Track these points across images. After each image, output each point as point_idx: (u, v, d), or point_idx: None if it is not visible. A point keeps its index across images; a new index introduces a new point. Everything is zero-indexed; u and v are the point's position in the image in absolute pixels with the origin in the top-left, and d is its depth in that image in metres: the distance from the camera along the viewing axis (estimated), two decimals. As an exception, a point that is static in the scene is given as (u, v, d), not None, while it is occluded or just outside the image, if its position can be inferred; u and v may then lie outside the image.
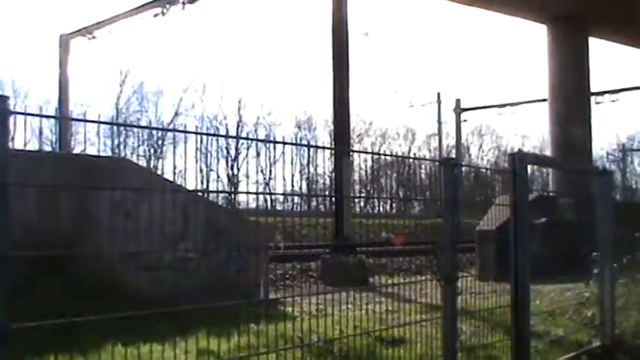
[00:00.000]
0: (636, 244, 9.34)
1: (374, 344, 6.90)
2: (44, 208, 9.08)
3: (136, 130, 54.30)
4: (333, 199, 19.28)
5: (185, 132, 5.03)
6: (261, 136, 58.79)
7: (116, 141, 51.86)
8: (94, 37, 28.97)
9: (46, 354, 5.08)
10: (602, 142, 74.21)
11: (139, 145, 55.44)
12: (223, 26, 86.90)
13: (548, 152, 28.27)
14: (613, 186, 8.66)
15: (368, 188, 63.68)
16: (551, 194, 19.63)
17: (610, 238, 8.36)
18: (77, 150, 38.83)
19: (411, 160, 73.94)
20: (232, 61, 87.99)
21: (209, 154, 54.92)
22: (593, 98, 30.48)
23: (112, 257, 9.45)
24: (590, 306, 8.72)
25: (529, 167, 6.87)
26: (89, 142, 43.50)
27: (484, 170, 77.58)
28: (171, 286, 9.68)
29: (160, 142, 54.50)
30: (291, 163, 51.19)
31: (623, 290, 9.30)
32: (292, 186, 53.41)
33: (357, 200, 50.88)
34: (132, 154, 52.31)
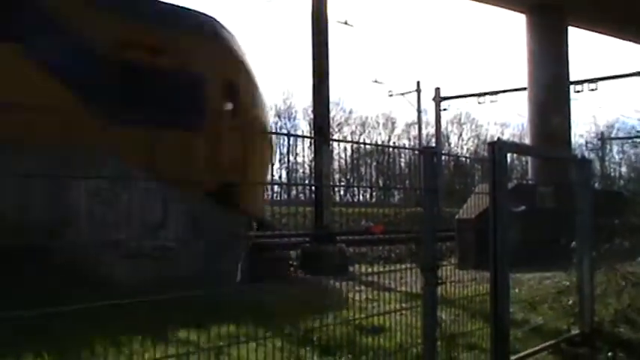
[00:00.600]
0: (615, 232, 9.40)
1: (354, 333, 6.90)
2: (22, 198, 9.00)
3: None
4: (313, 187, 19.27)
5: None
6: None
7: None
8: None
9: (24, 343, 5.04)
10: (581, 131, 74.69)
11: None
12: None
13: (527, 141, 28.37)
14: (592, 174, 8.70)
15: (348, 177, 63.73)
16: (530, 183, 19.73)
17: (589, 226, 8.39)
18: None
19: (390, 149, 74.06)
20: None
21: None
22: (572, 87, 30.60)
23: (92, 246, 9.39)
24: (570, 294, 8.78)
25: (508, 156, 6.89)
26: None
27: (464, 159, 77.85)
28: (151, 275, 9.64)
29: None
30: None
31: (602, 278, 9.36)
32: (272, 175, 53.32)
33: (337, 189, 50.91)
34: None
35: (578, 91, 35.74)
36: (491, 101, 45.81)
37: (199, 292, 4.59)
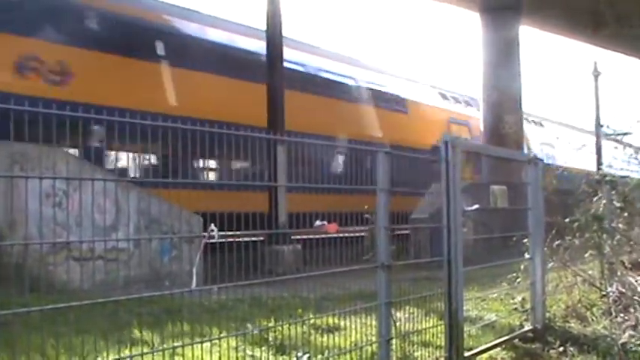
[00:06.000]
0: (566, 229, 9.52)
1: (309, 332, 6.90)
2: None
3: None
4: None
5: (116, 120, 4.89)
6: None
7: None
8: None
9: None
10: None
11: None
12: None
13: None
14: (543, 173, 8.80)
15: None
16: (483, 181, 19.90)
17: (540, 224, 8.50)
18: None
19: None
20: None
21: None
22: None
23: (42, 247, 9.26)
24: (522, 291, 8.87)
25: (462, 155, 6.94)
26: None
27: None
28: (104, 276, 9.55)
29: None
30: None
31: (553, 275, 9.48)
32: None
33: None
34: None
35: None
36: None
37: (156, 293, 4.57)
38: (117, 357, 4.66)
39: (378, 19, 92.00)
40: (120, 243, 10.19)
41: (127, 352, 5.12)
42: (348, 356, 6.19)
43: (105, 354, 5.44)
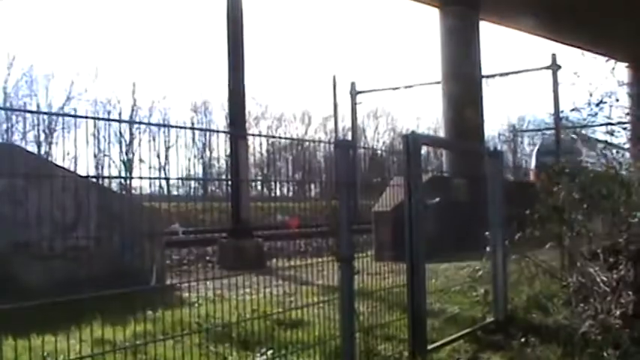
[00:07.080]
0: (526, 221, 9.61)
1: (272, 327, 6.89)
2: None
3: (26, 115, 52.41)
4: (230, 183, 19.15)
5: (76, 116, 4.84)
6: (156, 121, 58.03)
7: (4, 126, 50.13)
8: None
9: None
10: (495, 124, 75.99)
11: (28, 131, 53.59)
12: (115, 8, 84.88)
13: (441, 133, 28.74)
14: (503, 166, 8.86)
15: (264, 171, 63.53)
16: (444, 175, 20.00)
17: (500, 216, 8.56)
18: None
19: (307, 142, 74.03)
20: (126, 45, 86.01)
21: (103, 139, 53.63)
22: (484, 80, 31.09)
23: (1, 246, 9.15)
24: (484, 283, 8.94)
25: (424, 148, 6.97)
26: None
27: (379, 152, 78.28)
28: (65, 275, 9.45)
29: (50, 127, 52.95)
30: (187, 147, 50.77)
31: (515, 267, 9.56)
32: (188, 170, 53.00)
33: (253, 184, 50.69)
34: (21, 139, 50.61)
35: (490, 85, 36.33)
36: (406, 94, 46.29)
37: (111, 291, 4.52)
38: (78, 356, 4.60)
39: (339, 15, 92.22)
40: (81, 241, 10.08)
41: (88, 351, 5.06)
42: (311, 351, 6.18)
43: (66, 353, 5.37)
